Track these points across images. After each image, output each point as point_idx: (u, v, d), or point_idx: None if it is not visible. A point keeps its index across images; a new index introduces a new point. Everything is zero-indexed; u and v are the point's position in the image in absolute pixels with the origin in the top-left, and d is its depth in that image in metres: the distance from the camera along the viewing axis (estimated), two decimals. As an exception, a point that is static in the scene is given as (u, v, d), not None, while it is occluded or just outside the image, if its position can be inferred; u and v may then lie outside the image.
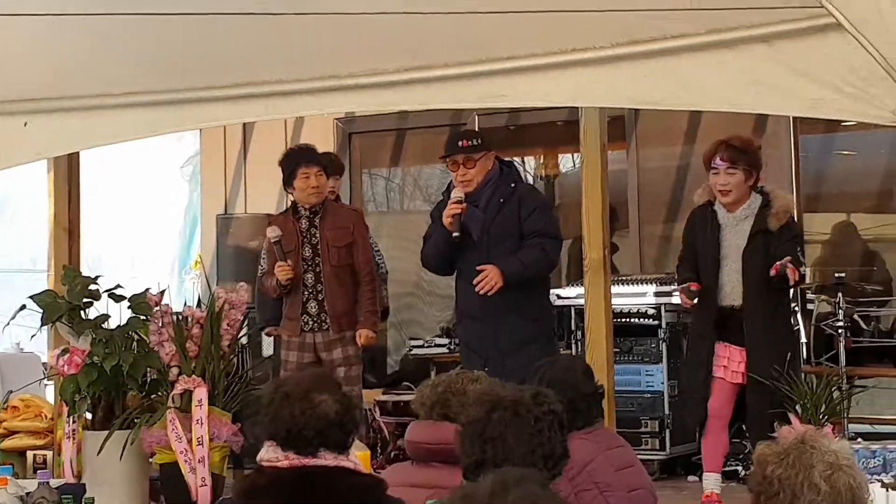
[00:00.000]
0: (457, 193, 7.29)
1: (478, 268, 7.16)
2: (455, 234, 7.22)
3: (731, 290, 7.10)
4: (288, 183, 7.91)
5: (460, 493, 2.59)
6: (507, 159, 7.79)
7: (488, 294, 7.11)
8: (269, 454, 4.00)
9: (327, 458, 3.97)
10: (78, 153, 8.33)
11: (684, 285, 7.17)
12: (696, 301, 7.15)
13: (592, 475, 4.82)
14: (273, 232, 7.80)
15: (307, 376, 4.16)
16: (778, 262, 6.85)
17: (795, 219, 7.45)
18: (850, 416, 7.58)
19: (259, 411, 4.12)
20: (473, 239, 7.28)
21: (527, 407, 3.87)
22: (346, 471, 4.01)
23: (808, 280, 8.70)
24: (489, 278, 7.11)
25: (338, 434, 4.01)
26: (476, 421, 3.82)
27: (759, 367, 6.93)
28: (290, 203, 8.24)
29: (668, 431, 8.46)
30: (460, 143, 7.42)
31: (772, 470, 3.18)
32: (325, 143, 10.40)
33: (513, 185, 7.42)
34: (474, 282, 7.12)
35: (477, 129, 9.68)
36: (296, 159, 7.91)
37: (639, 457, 8.20)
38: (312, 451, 3.96)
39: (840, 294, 8.03)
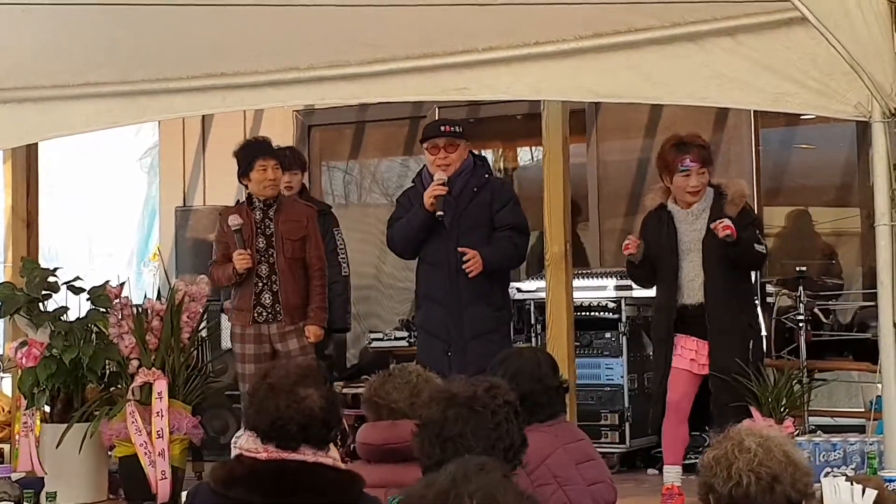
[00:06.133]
0: (440, 176, 7.29)
1: (461, 249, 7.17)
2: (439, 213, 7.22)
3: (693, 287, 7.08)
4: (244, 174, 7.87)
5: (423, 483, 2.60)
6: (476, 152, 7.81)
7: (470, 277, 7.13)
8: (249, 444, 3.96)
9: (307, 454, 3.94)
10: (36, 144, 8.26)
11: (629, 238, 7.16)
12: (637, 251, 7.12)
13: (552, 469, 4.80)
14: (235, 220, 7.75)
15: (293, 368, 4.10)
16: (718, 224, 6.86)
17: (750, 204, 7.44)
18: (810, 409, 7.60)
19: (243, 401, 4.09)
20: (444, 225, 7.29)
21: (482, 402, 3.85)
22: (325, 467, 3.97)
23: (767, 274, 8.72)
24: (477, 261, 7.14)
25: (321, 430, 3.97)
26: (433, 421, 3.80)
27: (725, 359, 6.92)
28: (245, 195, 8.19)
29: (627, 424, 8.46)
30: (443, 128, 7.45)
31: (708, 457, 3.26)
32: (284, 135, 10.36)
33: (486, 175, 7.46)
34: (464, 259, 7.13)
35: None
36: (253, 152, 7.87)
37: (599, 450, 8.22)
38: (294, 445, 3.93)
39: (801, 287, 8.04)
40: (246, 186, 7.93)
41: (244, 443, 3.96)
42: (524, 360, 5.09)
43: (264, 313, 7.73)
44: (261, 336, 7.74)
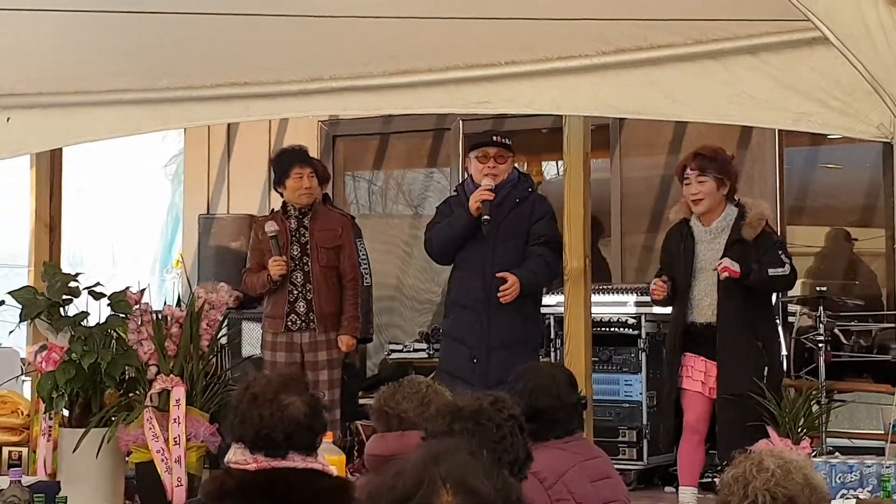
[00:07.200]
0: (488, 182, 7.34)
1: (499, 275, 7.20)
2: (485, 217, 7.26)
3: (709, 304, 7.06)
4: (279, 182, 7.91)
5: (391, 473, 2.60)
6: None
7: (503, 301, 7.15)
8: (238, 456, 3.98)
9: (296, 461, 3.95)
10: (60, 149, 8.30)
11: (656, 281, 7.18)
12: (664, 297, 7.13)
13: (568, 485, 4.77)
14: (271, 227, 7.79)
15: (275, 378, 4.14)
16: (718, 266, 6.86)
17: (772, 225, 7.40)
18: (828, 430, 7.56)
19: (228, 413, 4.10)
20: (483, 232, 7.31)
21: (487, 415, 3.86)
22: (316, 473, 3.99)
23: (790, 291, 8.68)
24: (515, 290, 7.16)
25: (307, 436, 3.99)
26: (438, 434, 3.81)
27: (731, 381, 6.89)
28: (272, 205, 8.22)
29: (645, 441, 8.44)
30: (495, 137, 7.52)
31: (727, 476, 3.25)
32: (308, 145, 10.32)
33: (529, 189, 7.50)
34: (501, 289, 7.15)
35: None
36: (290, 159, 7.92)
37: (616, 467, 8.23)
38: (282, 453, 3.94)
39: (821, 308, 8.00)
40: (281, 194, 7.96)
41: (232, 455, 3.98)
42: (542, 375, 5.07)
43: (298, 321, 7.76)
44: (292, 344, 7.77)
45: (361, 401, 9.31)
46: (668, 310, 7.46)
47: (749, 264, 6.88)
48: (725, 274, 6.81)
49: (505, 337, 7.20)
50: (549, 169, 11.41)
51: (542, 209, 7.45)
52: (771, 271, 6.92)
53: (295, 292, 7.77)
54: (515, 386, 4.97)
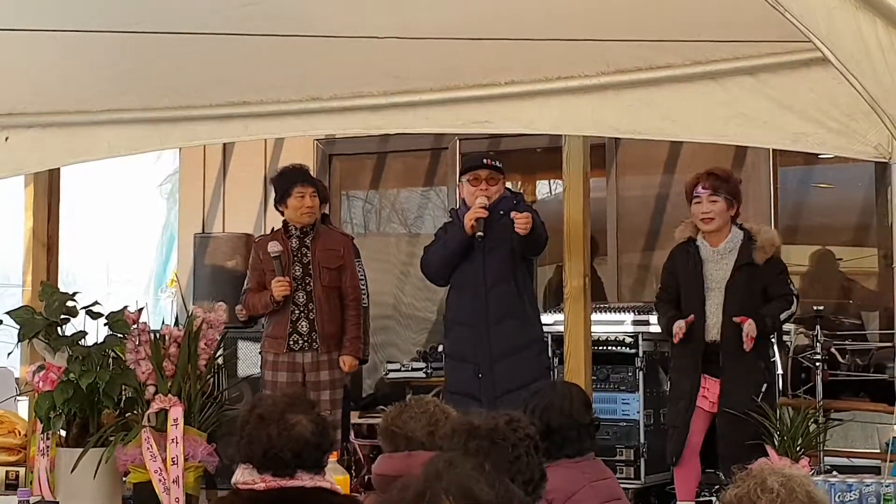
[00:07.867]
0: (482, 200, 7.34)
1: (513, 215, 7.20)
2: (479, 235, 7.27)
3: (714, 323, 7.11)
4: (281, 201, 7.90)
5: (397, 489, 2.63)
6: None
7: (520, 233, 7.15)
8: (245, 477, 3.98)
9: (304, 480, 3.96)
10: (59, 168, 8.30)
11: (680, 323, 7.15)
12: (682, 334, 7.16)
13: (576, 505, 4.80)
14: (274, 247, 7.78)
15: (281, 398, 4.16)
16: (743, 319, 6.94)
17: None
18: (826, 449, 7.57)
19: (234, 434, 4.11)
20: (472, 246, 7.34)
21: (502, 434, 3.87)
22: (324, 491, 4.01)
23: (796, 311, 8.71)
24: (529, 220, 7.16)
25: (314, 455, 4.01)
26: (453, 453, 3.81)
27: (734, 398, 6.94)
28: (267, 224, 8.21)
29: (643, 460, 8.43)
30: (485, 160, 7.51)
31: (730, 495, 3.24)
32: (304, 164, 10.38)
33: (515, 202, 7.51)
34: (516, 220, 7.15)
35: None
36: (292, 178, 7.91)
37: (613, 485, 8.21)
38: (290, 472, 3.95)
39: (818, 327, 8.03)
40: (282, 213, 7.95)
41: (240, 476, 3.98)
42: (556, 394, 5.13)
43: (300, 341, 7.76)
44: (294, 364, 7.77)
45: (358, 420, 9.30)
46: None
47: (763, 317, 7.01)
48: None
49: (506, 346, 7.20)
50: (543, 188, 11.43)
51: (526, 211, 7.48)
52: (783, 316, 7.02)
53: (297, 312, 7.78)
54: (529, 403, 5.00)
